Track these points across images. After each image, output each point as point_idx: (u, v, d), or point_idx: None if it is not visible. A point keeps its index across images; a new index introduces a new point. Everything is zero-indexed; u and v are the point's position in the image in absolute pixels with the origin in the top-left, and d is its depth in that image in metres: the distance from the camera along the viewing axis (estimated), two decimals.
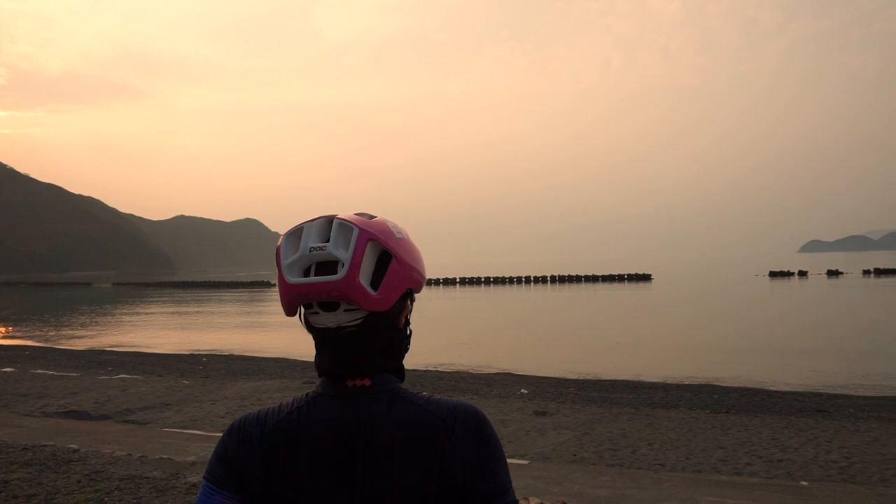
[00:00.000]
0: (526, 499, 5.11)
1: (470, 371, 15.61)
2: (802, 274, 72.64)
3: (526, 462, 6.79)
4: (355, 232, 1.20)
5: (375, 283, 1.20)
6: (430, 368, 15.92)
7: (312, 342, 1.28)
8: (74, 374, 13.92)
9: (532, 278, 75.60)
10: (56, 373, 14.16)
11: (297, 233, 1.25)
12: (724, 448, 7.55)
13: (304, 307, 1.23)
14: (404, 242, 1.27)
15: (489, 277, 77.07)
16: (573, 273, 78.83)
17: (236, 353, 19.72)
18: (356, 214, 1.26)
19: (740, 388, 12.93)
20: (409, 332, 1.33)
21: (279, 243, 1.26)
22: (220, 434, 1.28)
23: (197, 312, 40.79)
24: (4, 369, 14.68)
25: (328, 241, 1.21)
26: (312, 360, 1.33)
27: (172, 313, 40.68)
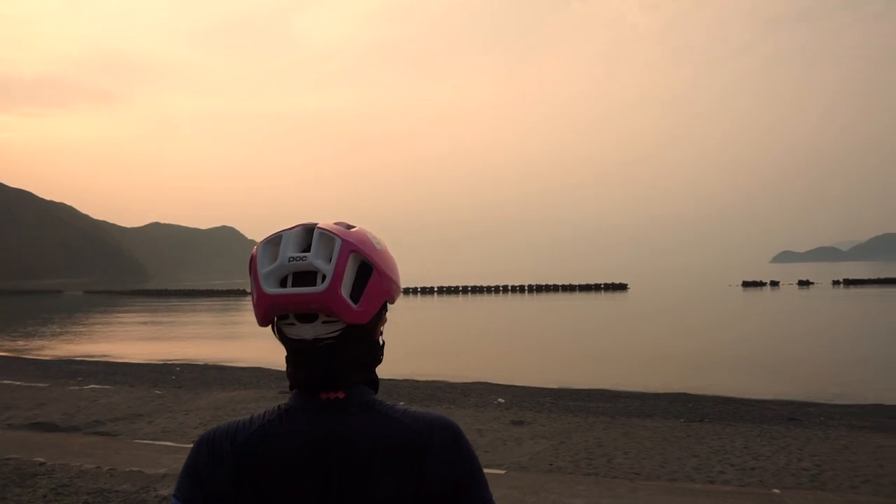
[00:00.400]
0: None
1: (447, 380, 15.58)
2: (774, 284, 73.96)
3: (503, 472, 6.78)
4: (338, 243, 1.18)
5: (355, 295, 1.18)
6: (407, 378, 15.85)
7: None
8: (43, 385, 13.59)
9: (510, 287, 75.86)
10: (24, 383, 13.81)
11: (274, 241, 1.22)
12: (698, 456, 7.63)
13: (278, 318, 1.20)
14: (384, 253, 1.25)
15: (467, 286, 77.15)
16: (550, 282, 79.28)
17: (211, 362, 19.44)
18: (335, 223, 1.23)
19: (714, 396, 13.09)
20: (382, 342, 1.32)
21: (254, 251, 1.23)
22: (193, 445, 1.25)
23: (171, 321, 40.15)
24: None
25: (308, 250, 1.18)
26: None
27: (145, 322, 39.99)
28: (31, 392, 12.45)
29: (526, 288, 75.25)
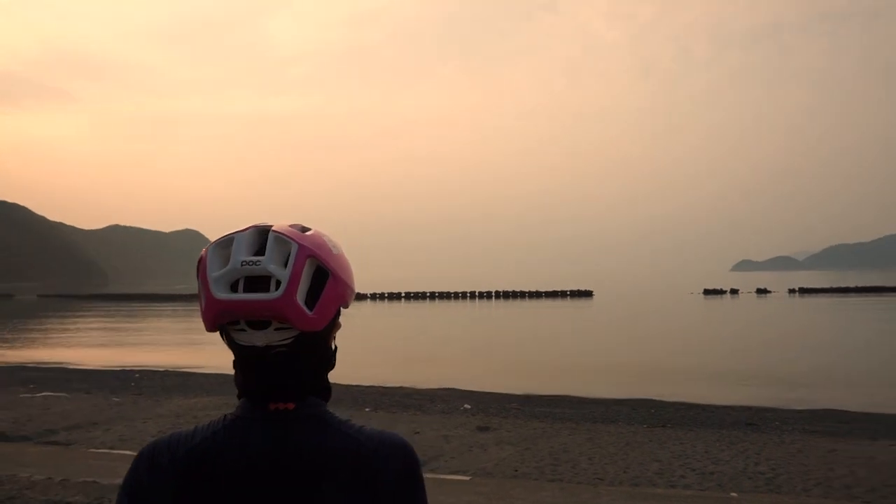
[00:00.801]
0: None
1: (414, 386, 15.54)
2: (734, 292, 75.81)
3: (468, 478, 6.79)
4: (294, 248, 1.13)
5: (311, 301, 1.13)
6: (374, 384, 15.75)
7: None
8: None
9: (477, 294, 76.09)
10: None
11: (224, 244, 1.16)
12: (660, 461, 7.76)
13: (227, 323, 1.15)
14: (340, 258, 1.20)
15: (434, 292, 77.12)
16: (517, 289, 79.81)
17: (172, 368, 19.01)
18: (290, 226, 1.18)
19: (676, 402, 13.33)
20: (335, 348, 1.26)
21: (203, 254, 1.17)
22: (132, 461, 1.18)
23: (131, 327, 39.14)
24: None
25: (261, 254, 1.13)
26: None
27: (104, 327, 38.89)
28: None
29: (493, 294, 75.59)
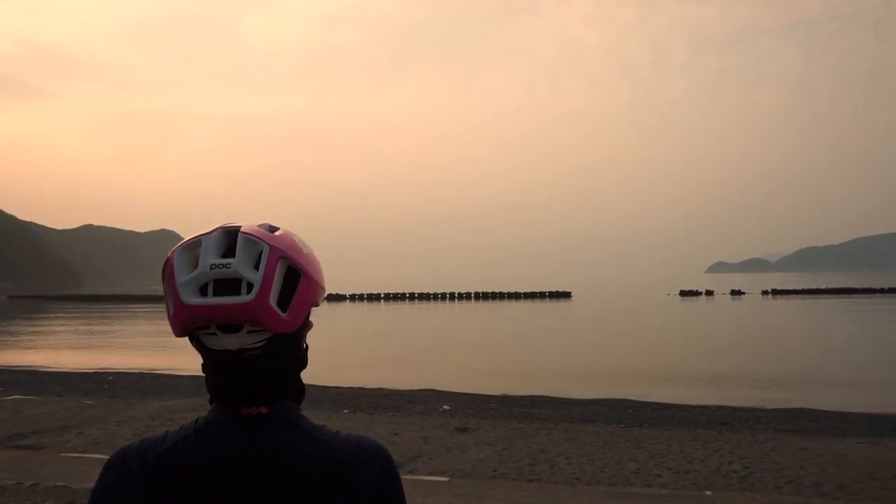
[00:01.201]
0: None
1: (393, 387, 15.50)
2: (710, 293, 76.91)
3: (446, 479, 6.80)
4: (265, 249, 1.11)
5: (284, 303, 1.11)
6: (353, 385, 15.69)
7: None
8: None
9: (456, 295, 76.18)
10: None
11: (192, 246, 1.13)
12: (636, 461, 7.84)
13: (197, 328, 1.12)
14: (311, 258, 1.18)
15: (414, 293, 77.04)
16: (496, 290, 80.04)
17: (147, 370, 18.73)
18: (258, 226, 1.15)
19: (653, 402, 13.48)
20: (306, 347, 1.24)
21: (170, 257, 1.14)
22: (102, 469, 1.15)
23: (105, 328, 38.48)
24: None
25: (230, 255, 1.11)
26: None
27: (77, 329, 38.19)
28: None
29: (472, 295, 75.74)
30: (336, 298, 74.00)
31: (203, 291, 1.10)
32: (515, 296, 74.67)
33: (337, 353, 24.73)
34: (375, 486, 1.13)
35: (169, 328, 1.16)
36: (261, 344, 1.12)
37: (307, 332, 1.22)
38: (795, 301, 61.47)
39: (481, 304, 64.52)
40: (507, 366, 20.64)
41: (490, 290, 79.12)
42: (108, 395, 13.44)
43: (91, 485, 1.16)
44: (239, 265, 1.09)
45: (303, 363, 1.23)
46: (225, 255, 1.11)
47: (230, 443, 1.12)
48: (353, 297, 74.78)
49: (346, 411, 11.47)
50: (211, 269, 1.09)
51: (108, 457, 1.18)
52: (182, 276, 1.11)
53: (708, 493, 6.47)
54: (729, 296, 73.37)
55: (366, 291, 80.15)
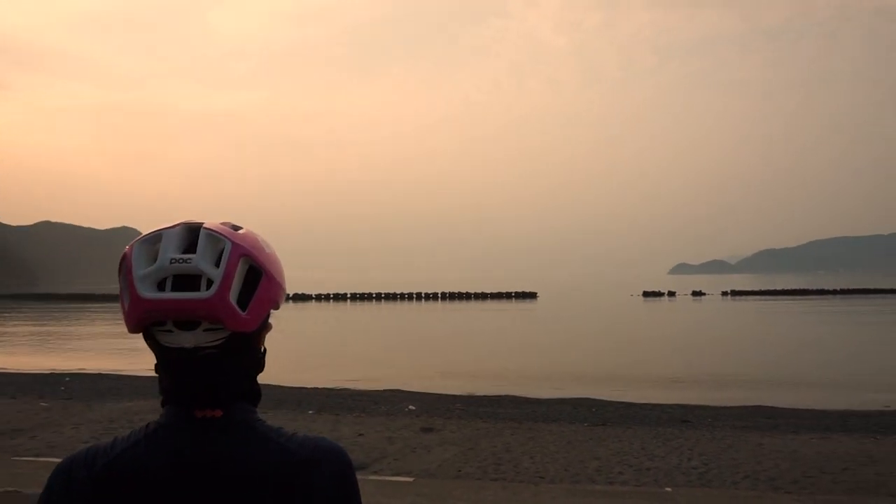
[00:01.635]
0: None
1: (358, 388, 15.43)
2: (672, 294, 78.55)
3: (411, 479, 6.80)
4: (227, 246, 1.09)
5: (243, 301, 1.09)
6: (318, 386, 15.57)
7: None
8: None
9: (423, 295, 76.17)
10: None
11: (151, 241, 1.11)
12: (599, 459, 7.97)
13: (153, 324, 1.09)
14: (273, 257, 1.16)
15: (381, 293, 76.76)
16: (463, 290, 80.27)
17: (105, 371, 18.26)
18: (221, 223, 1.14)
19: (616, 401, 13.71)
20: (264, 350, 1.21)
21: (127, 251, 1.12)
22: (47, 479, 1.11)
23: (62, 329, 37.37)
24: None
25: (191, 251, 1.09)
26: None
27: (32, 329, 36.99)
28: None
29: (439, 295, 75.82)
30: (302, 298, 73.25)
31: (161, 286, 1.07)
32: (482, 296, 75.02)
33: (302, 354, 24.48)
34: (333, 489, 1.11)
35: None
36: (218, 342, 1.09)
37: (266, 334, 1.20)
38: (753, 302, 63.20)
39: (448, 305, 64.63)
40: (472, 366, 20.73)
41: (457, 291, 79.34)
42: (65, 397, 13.05)
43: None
44: (200, 261, 1.07)
45: (260, 366, 1.20)
46: (186, 251, 1.09)
47: (183, 447, 1.08)
48: (319, 297, 74.12)
49: (310, 412, 11.37)
50: (171, 263, 1.07)
51: (62, 461, 1.13)
52: (140, 270, 1.08)
53: (668, 489, 6.61)
54: (690, 297, 75.03)
55: (332, 291, 79.51)
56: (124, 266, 1.10)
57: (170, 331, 1.09)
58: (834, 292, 76.87)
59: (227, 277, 1.07)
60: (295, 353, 24.61)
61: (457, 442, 8.86)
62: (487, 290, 79.42)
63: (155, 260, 1.09)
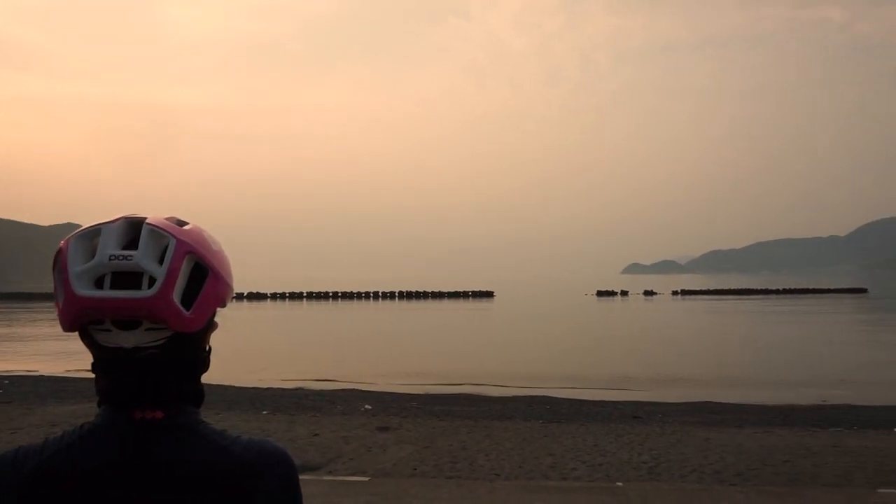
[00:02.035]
0: None
1: (313, 388, 15.27)
2: (625, 293, 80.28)
3: (366, 479, 6.77)
4: (172, 242, 1.05)
5: (188, 300, 1.05)
6: (272, 386, 15.33)
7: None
8: None
9: (380, 294, 75.84)
10: None
11: (89, 235, 1.06)
12: (553, 455, 8.09)
13: (89, 322, 1.05)
14: (220, 255, 1.12)
15: (337, 292, 76.04)
16: (420, 289, 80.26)
17: (47, 373, 17.55)
18: (166, 219, 1.09)
19: (570, 398, 13.94)
20: (209, 349, 1.17)
21: (63, 246, 1.06)
22: None
23: (0, 329, 35.75)
24: None
25: (132, 247, 1.04)
26: None
27: None
28: None
29: (396, 294, 75.60)
30: (257, 297, 71.97)
31: (99, 284, 1.03)
32: (439, 295, 75.15)
33: (257, 353, 24.08)
34: (277, 493, 1.08)
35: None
36: (159, 343, 1.06)
37: (211, 333, 1.15)
38: (702, 301, 65.16)
39: (405, 304, 64.51)
40: (429, 365, 20.75)
41: (414, 290, 79.24)
42: (3, 400, 12.49)
43: None
44: (142, 258, 1.03)
45: (204, 365, 1.16)
46: (127, 247, 1.05)
47: (120, 450, 1.04)
48: (274, 296, 72.93)
49: (265, 412, 11.19)
50: (110, 260, 1.02)
51: None
52: (76, 266, 1.03)
53: (619, 484, 6.76)
54: (642, 296, 76.83)
55: (288, 290, 78.35)
56: (59, 262, 1.05)
57: (108, 330, 1.04)
58: (777, 292, 79.96)
59: (170, 275, 1.03)
60: (249, 353, 24.17)
61: (413, 441, 8.86)
62: (445, 290, 79.59)
63: (93, 256, 1.04)
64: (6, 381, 15.58)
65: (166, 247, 1.05)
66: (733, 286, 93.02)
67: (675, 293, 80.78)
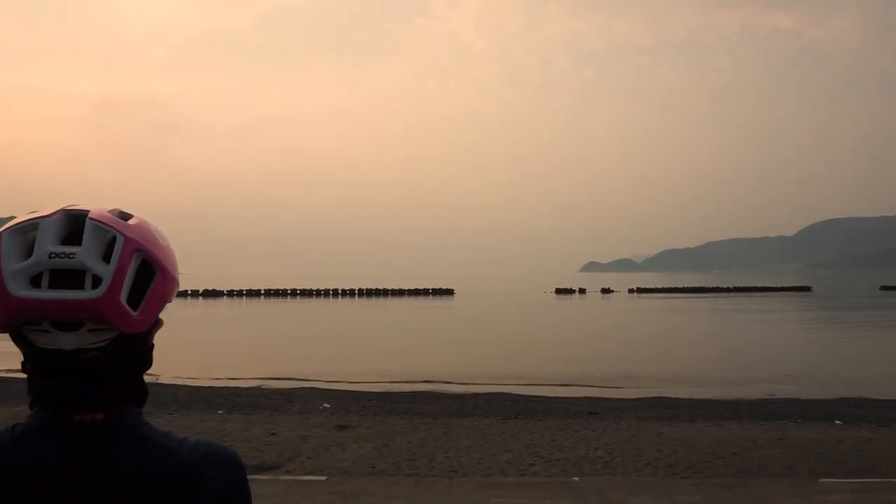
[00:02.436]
0: None
1: (271, 386, 15.05)
2: (582, 291, 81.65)
3: (324, 478, 6.71)
4: (119, 240, 0.98)
5: (135, 300, 0.99)
6: (228, 385, 15.05)
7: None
8: None
9: (340, 291, 75.19)
10: None
11: (25, 230, 0.98)
12: (511, 451, 8.16)
13: (24, 322, 0.97)
14: (167, 250, 1.06)
15: (296, 289, 75.08)
16: (380, 286, 79.92)
17: None
18: (109, 211, 1.02)
19: (529, 395, 14.10)
20: (151, 345, 1.11)
21: None
22: None
23: None
24: None
25: (73, 243, 0.97)
26: None
27: None
28: None
29: (356, 292, 75.09)
30: (213, 295, 70.50)
31: (36, 282, 0.95)
32: (399, 292, 74.97)
33: (213, 352, 23.58)
34: (224, 495, 1.04)
35: None
36: (103, 344, 0.99)
37: (157, 331, 1.10)
38: (657, 299, 66.74)
39: (365, 301, 64.14)
40: (389, 362, 20.68)
41: (374, 287, 78.86)
42: None
43: None
44: (85, 255, 0.96)
45: (147, 363, 1.10)
46: (67, 243, 0.97)
47: (58, 453, 0.98)
48: (231, 294, 71.56)
49: (220, 412, 10.97)
50: (49, 257, 0.95)
51: None
52: (11, 264, 0.95)
53: (576, 478, 6.87)
54: (600, 294, 78.22)
55: (245, 287, 76.98)
56: None
57: (46, 331, 0.97)
58: (727, 290, 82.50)
59: (118, 275, 0.97)
60: (205, 352, 23.66)
61: (371, 439, 8.82)
62: (405, 287, 79.43)
63: (29, 252, 0.96)
64: None
65: (112, 243, 0.98)
66: (687, 284, 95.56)
67: (631, 291, 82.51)
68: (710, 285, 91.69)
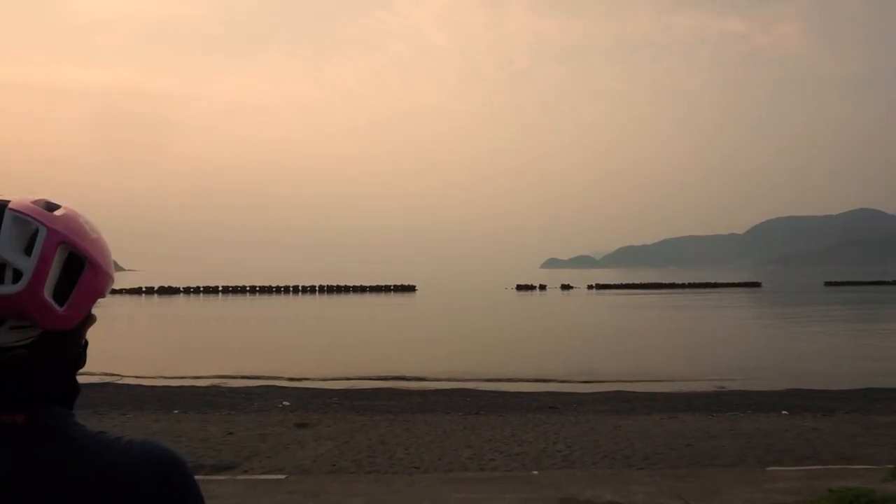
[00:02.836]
0: None
1: (229, 385, 14.79)
2: (543, 287, 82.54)
3: (283, 477, 6.64)
4: (42, 232, 0.94)
5: (62, 295, 0.95)
6: (185, 384, 14.72)
7: None
8: None
9: (300, 288, 74.28)
10: None
11: None
12: (472, 447, 8.22)
13: None
14: (99, 243, 1.01)
15: (255, 286, 73.83)
16: (341, 283, 79.26)
17: None
18: (32, 201, 0.97)
19: (490, 391, 14.20)
20: (85, 343, 1.06)
21: None
22: None
23: None
24: None
25: None
26: None
27: None
28: None
29: (317, 288, 74.30)
30: (169, 292, 68.84)
31: None
32: (360, 289, 74.50)
33: (168, 349, 23.04)
34: (161, 498, 0.98)
35: None
36: (27, 342, 0.94)
37: (89, 327, 1.04)
38: (615, 295, 68.01)
39: (326, 298, 63.54)
40: (350, 360, 20.56)
41: (335, 284, 78.15)
42: None
43: None
44: (4, 248, 0.92)
45: (80, 362, 1.05)
46: None
47: None
48: (187, 290, 69.97)
49: (176, 412, 10.73)
50: None
51: None
52: None
53: (535, 472, 6.96)
54: (559, 289, 79.25)
55: (202, 284, 75.33)
56: None
57: None
58: (682, 286, 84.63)
59: (41, 269, 0.93)
60: (160, 350, 23.10)
61: (332, 437, 8.76)
62: (366, 284, 78.97)
63: None
64: None
65: (34, 236, 0.94)
66: (643, 280, 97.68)
67: (590, 287, 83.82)
68: (666, 281, 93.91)
